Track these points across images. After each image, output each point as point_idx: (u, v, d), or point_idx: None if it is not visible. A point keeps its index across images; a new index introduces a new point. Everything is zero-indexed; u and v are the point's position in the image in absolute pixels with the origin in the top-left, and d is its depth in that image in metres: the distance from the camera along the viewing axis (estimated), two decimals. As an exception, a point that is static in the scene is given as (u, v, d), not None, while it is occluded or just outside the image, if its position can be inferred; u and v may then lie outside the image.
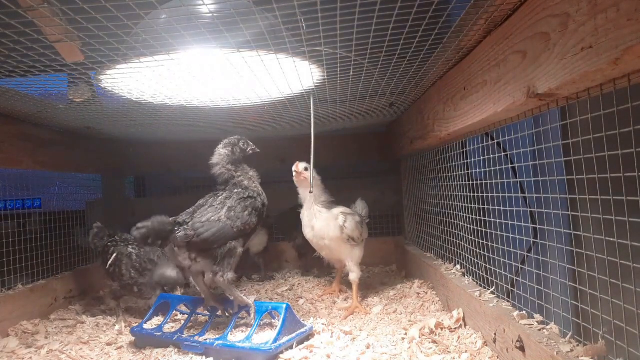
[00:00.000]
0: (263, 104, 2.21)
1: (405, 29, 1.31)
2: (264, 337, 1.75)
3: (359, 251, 2.36)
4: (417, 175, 2.76)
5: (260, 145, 2.11)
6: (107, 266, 2.25)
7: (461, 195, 1.99)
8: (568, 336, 1.21)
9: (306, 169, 2.27)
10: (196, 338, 1.78)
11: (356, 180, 3.69)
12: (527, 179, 1.70)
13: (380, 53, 1.51)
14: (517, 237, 1.58)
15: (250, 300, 1.87)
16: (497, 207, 1.67)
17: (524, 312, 1.44)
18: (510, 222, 1.58)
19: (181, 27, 1.25)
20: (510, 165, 1.69)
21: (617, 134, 1.01)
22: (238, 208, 1.87)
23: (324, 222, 2.27)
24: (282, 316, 1.75)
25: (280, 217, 3.17)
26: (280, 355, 1.65)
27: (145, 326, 1.95)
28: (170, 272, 2.17)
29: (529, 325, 1.34)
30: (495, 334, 1.50)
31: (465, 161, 2.00)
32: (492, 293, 1.70)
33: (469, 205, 1.90)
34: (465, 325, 1.79)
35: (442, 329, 1.79)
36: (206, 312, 2.03)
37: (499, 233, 1.67)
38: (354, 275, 2.31)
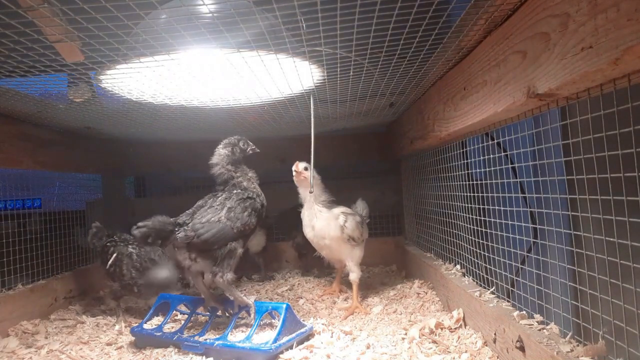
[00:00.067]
0: (263, 104, 2.21)
1: (405, 29, 1.31)
2: (264, 337, 1.75)
3: (359, 251, 2.36)
4: (417, 175, 2.76)
5: (260, 145, 2.11)
6: (107, 266, 2.25)
7: (461, 195, 1.99)
8: (568, 336, 1.21)
9: (306, 169, 2.27)
10: (196, 338, 1.78)
11: (356, 180, 3.69)
12: (527, 179, 1.70)
13: (380, 53, 1.51)
14: (517, 237, 1.58)
15: (250, 300, 1.87)
16: (497, 207, 1.67)
17: (524, 312, 1.44)
18: (510, 222, 1.58)
19: (181, 27, 1.25)
20: (510, 165, 1.69)
21: (617, 134, 1.01)
22: (238, 209, 1.87)
23: (325, 222, 2.27)
24: (282, 316, 1.75)
25: (281, 217, 3.17)
26: (280, 355, 1.65)
27: (145, 326, 1.95)
28: (162, 273, 2.15)
29: (529, 325, 1.34)
30: (495, 334, 1.50)
31: (465, 161, 2.00)
32: (492, 293, 1.70)
33: (469, 205, 1.90)
34: (465, 325, 1.79)
35: (442, 329, 1.79)
36: (206, 312, 2.03)
37: (499, 233, 1.67)
38: (354, 275, 2.31)
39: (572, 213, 1.34)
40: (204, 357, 1.70)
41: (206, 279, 1.86)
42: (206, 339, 1.75)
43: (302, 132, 2.81)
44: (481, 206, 1.80)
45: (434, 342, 1.69)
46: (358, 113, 2.63)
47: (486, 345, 1.58)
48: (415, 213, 2.95)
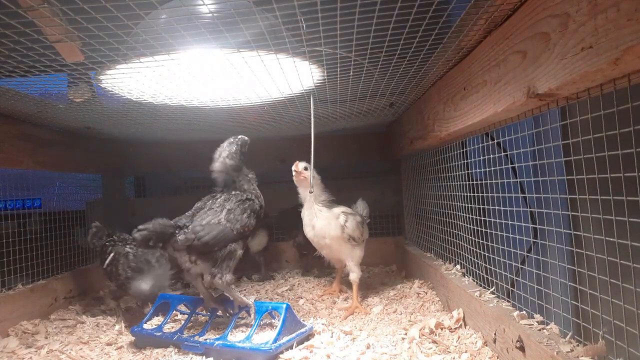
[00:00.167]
0: (263, 104, 2.21)
1: (405, 29, 1.31)
2: (264, 337, 1.75)
3: (359, 251, 2.36)
4: (417, 175, 2.76)
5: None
6: (105, 265, 2.25)
7: (461, 195, 1.99)
8: (568, 336, 1.21)
9: (306, 169, 2.27)
10: (196, 338, 1.78)
11: (356, 180, 3.69)
12: (527, 179, 1.70)
13: (380, 53, 1.51)
14: (517, 237, 1.58)
15: (250, 300, 1.87)
16: (497, 207, 1.67)
17: (524, 312, 1.44)
18: (510, 222, 1.58)
19: (181, 27, 1.25)
20: (510, 165, 1.69)
21: (617, 134, 1.01)
22: (237, 210, 1.87)
23: (325, 221, 2.27)
24: (282, 316, 1.75)
25: (281, 216, 3.17)
26: (280, 355, 1.65)
27: (145, 326, 1.95)
28: (144, 286, 2.06)
29: (529, 325, 1.34)
30: (495, 334, 1.50)
31: (465, 161, 2.00)
32: (492, 293, 1.70)
33: (469, 205, 1.90)
34: (465, 325, 1.79)
35: (442, 329, 1.79)
36: (206, 313, 2.03)
37: (499, 233, 1.67)
38: (354, 275, 2.31)
39: (572, 213, 1.34)
40: (204, 357, 1.70)
41: (205, 280, 1.87)
42: (206, 339, 1.75)
43: (302, 132, 2.81)
44: (481, 206, 1.80)
45: (434, 342, 1.69)
46: (358, 113, 2.63)
47: (486, 345, 1.58)
48: (415, 213, 2.95)
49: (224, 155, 1.98)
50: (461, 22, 1.31)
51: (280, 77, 1.73)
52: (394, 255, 3.26)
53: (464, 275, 2.02)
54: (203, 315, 2.07)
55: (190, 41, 1.34)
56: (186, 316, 2.01)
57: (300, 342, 1.77)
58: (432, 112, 2.09)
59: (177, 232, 1.76)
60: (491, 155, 1.72)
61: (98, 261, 2.44)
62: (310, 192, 2.24)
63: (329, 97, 2.16)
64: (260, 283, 2.93)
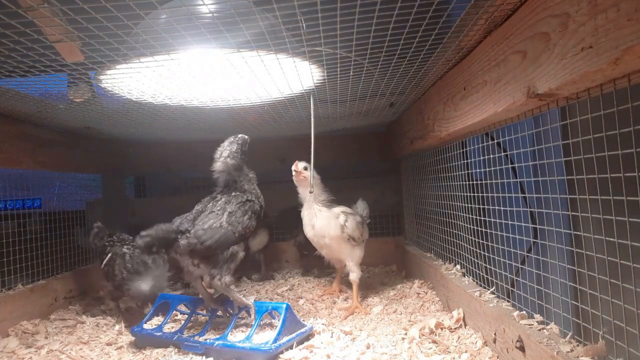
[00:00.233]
0: (263, 104, 2.21)
1: (405, 29, 1.31)
2: (264, 337, 1.75)
3: (359, 251, 2.36)
4: (417, 175, 2.76)
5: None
6: (102, 266, 2.25)
7: (461, 195, 1.99)
8: (568, 336, 1.21)
9: (306, 168, 2.27)
10: (196, 338, 1.78)
11: (356, 180, 3.69)
12: (527, 179, 1.70)
13: (380, 53, 1.51)
14: (517, 237, 1.58)
15: (250, 301, 1.87)
16: (497, 207, 1.67)
17: (524, 312, 1.44)
18: (510, 222, 1.58)
19: (181, 27, 1.25)
20: (510, 165, 1.69)
21: (617, 134, 1.01)
22: (238, 213, 1.86)
23: (325, 221, 2.27)
24: (282, 316, 1.75)
25: (282, 215, 3.17)
26: (280, 355, 1.66)
27: (145, 326, 1.95)
28: (143, 286, 2.05)
29: (529, 325, 1.34)
30: (495, 334, 1.50)
31: (465, 161, 2.00)
32: (492, 293, 1.70)
33: (469, 205, 1.90)
34: (465, 325, 1.79)
35: (442, 329, 1.79)
36: (206, 313, 2.03)
37: (499, 233, 1.67)
38: (354, 275, 2.31)
39: (572, 213, 1.34)
40: (204, 357, 1.70)
41: (205, 282, 1.87)
42: (206, 339, 1.75)
43: (302, 132, 2.81)
44: (481, 206, 1.80)
45: (434, 342, 1.69)
46: (358, 113, 2.63)
47: (486, 345, 1.58)
48: (415, 213, 2.95)
49: (224, 155, 1.98)
50: (461, 22, 1.31)
51: (280, 77, 1.73)
52: (394, 255, 3.26)
53: (464, 275, 2.02)
54: (203, 316, 2.07)
55: (190, 41, 1.34)
56: (186, 316, 2.01)
57: (300, 342, 1.77)
58: (432, 112, 2.09)
59: (179, 237, 1.76)
60: (491, 155, 1.72)
61: (98, 261, 2.44)
62: (310, 192, 2.24)
63: (329, 97, 2.16)
64: (260, 283, 2.93)
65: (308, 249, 2.83)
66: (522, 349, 1.29)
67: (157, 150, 3.52)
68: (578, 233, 1.26)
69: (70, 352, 1.83)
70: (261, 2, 1.21)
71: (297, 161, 2.28)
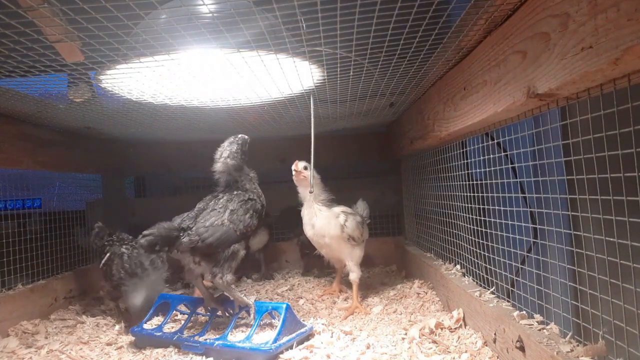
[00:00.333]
0: (263, 104, 2.21)
1: (405, 29, 1.31)
2: (264, 337, 1.75)
3: (359, 251, 2.36)
4: (417, 175, 2.76)
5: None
6: (101, 265, 2.24)
7: (461, 195, 1.99)
8: (568, 336, 1.21)
9: (305, 168, 2.27)
10: (196, 338, 1.78)
11: (356, 180, 3.69)
12: (527, 179, 1.70)
13: (380, 53, 1.51)
14: (517, 237, 1.58)
15: (250, 300, 1.87)
16: (497, 207, 1.67)
17: (524, 312, 1.44)
18: (510, 222, 1.58)
19: (181, 27, 1.25)
20: (510, 165, 1.69)
21: (617, 134, 1.01)
22: (240, 211, 1.87)
23: (325, 220, 2.27)
24: (282, 316, 1.75)
25: (284, 215, 3.17)
26: (280, 355, 1.65)
27: (145, 326, 1.95)
28: (137, 300, 2.04)
29: (529, 325, 1.34)
30: (495, 334, 1.50)
31: (465, 161, 2.00)
32: (492, 293, 1.70)
33: (469, 205, 1.90)
34: (465, 325, 1.79)
35: (442, 329, 1.79)
36: (206, 313, 2.03)
37: (499, 233, 1.67)
38: (354, 275, 2.31)
39: (572, 213, 1.34)
40: (204, 357, 1.70)
41: (206, 281, 1.87)
42: (206, 339, 1.75)
43: (302, 132, 2.81)
44: (481, 206, 1.80)
45: (434, 342, 1.69)
46: (358, 113, 2.63)
47: (486, 345, 1.58)
48: (415, 213, 2.95)
49: (225, 155, 1.98)
50: (461, 22, 1.31)
51: (280, 77, 1.73)
52: (394, 255, 3.26)
53: (464, 275, 2.02)
54: (203, 315, 2.07)
55: (190, 41, 1.34)
56: (186, 316, 2.01)
57: (300, 342, 1.77)
58: (432, 112, 2.09)
59: (181, 234, 1.76)
60: (491, 155, 1.72)
61: (98, 261, 2.44)
62: (310, 192, 2.24)
63: (329, 97, 2.16)
64: (260, 283, 2.93)
65: (310, 249, 2.83)
66: (522, 349, 1.29)
67: (157, 150, 3.52)
68: (578, 233, 1.26)
69: (70, 352, 1.83)
70: (261, 2, 1.21)
71: (297, 161, 2.28)
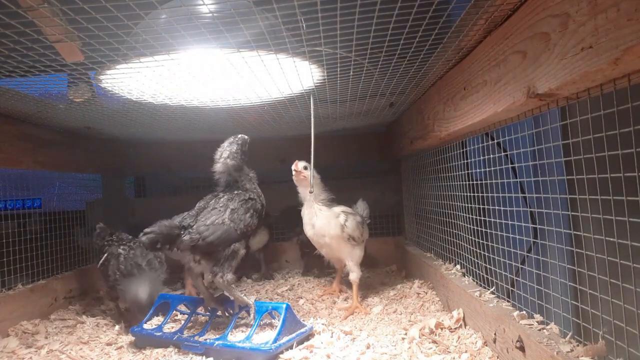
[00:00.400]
0: (263, 104, 2.21)
1: (405, 29, 1.31)
2: (264, 337, 1.75)
3: (359, 251, 2.36)
4: (417, 175, 2.76)
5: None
6: (99, 265, 2.24)
7: (461, 195, 1.99)
8: (568, 336, 1.21)
9: (305, 168, 2.27)
10: (196, 338, 1.78)
11: (356, 180, 3.69)
12: (527, 179, 1.70)
13: (380, 53, 1.51)
14: (517, 237, 1.58)
15: (251, 300, 1.87)
16: (497, 207, 1.67)
17: (524, 312, 1.44)
18: (510, 222, 1.58)
19: (181, 27, 1.25)
20: (510, 165, 1.69)
21: (617, 134, 1.01)
22: (240, 210, 1.87)
23: (325, 220, 2.27)
24: (282, 316, 1.75)
25: (284, 214, 3.17)
26: (280, 355, 1.65)
27: (145, 326, 1.95)
28: (141, 293, 2.02)
29: (529, 325, 1.34)
30: (495, 334, 1.50)
31: (465, 161, 2.00)
32: (492, 293, 1.70)
33: (469, 205, 1.90)
34: (465, 325, 1.79)
35: (442, 329, 1.79)
36: (206, 313, 2.03)
37: (499, 233, 1.67)
38: (354, 275, 2.31)
39: (572, 213, 1.34)
40: (204, 357, 1.70)
41: (206, 280, 1.87)
42: (206, 339, 1.75)
43: (302, 132, 2.81)
44: (481, 206, 1.80)
45: (434, 342, 1.69)
46: (358, 113, 2.63)
47: (486, 345, 1.58)
48: (415, 213, 2.95)
49: (225, 155, 1.98)
50: (461, 22, 1.31)
51: (280, 77, 1.73)
52: (394, 255, 3.26)
53: (464, 275, 2.02)
54: (203, 315, 2.07)
55: (190, 41, 1.34)
56: (186, 316, 2.01)
57: (300, 342, 1.77)
58: (432, 112, 2.09)
59: (182, 232, 1.76)
60: (491, 155, 1.72)
61: (97, 261, 2.44)
62: (310, 192, 2.24)
63: (329, 97, 2.16)
64: (260, 283, 2.93)
65: (310, 248, 2.83)
66: (522, 349, 1.29)
67: (157, 150, 3.52)
68: (578, 233, 1.26)
69: (70, 352, 1.83)
70: (261, 2, 1.21)
71: (297, 161, 2.29)
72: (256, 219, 1.92)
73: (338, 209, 2.32)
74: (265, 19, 1.25)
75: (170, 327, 2.00)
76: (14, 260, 2.30)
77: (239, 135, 2.03)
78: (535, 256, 1.55)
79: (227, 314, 1.95)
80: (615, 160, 1.01)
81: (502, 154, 1.70)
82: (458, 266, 2.11)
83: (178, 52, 1.41)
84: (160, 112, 2.28)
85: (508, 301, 1.60)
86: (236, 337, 1.82)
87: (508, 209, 1.60)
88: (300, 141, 2.62)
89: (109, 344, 1.93)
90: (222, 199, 1.90)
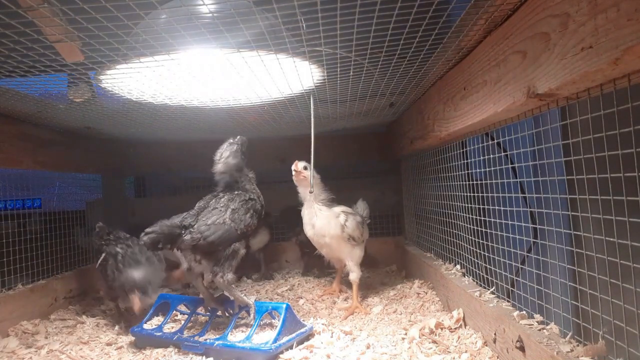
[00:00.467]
0: (263, 104, 2.21)
1: (405, 29, 1.31)
2: (264, 337, 1.75)
3: (359, 251, 2.36)
4: (417, 175, 2.76)
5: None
6: (97, 265, 2.24)
7: (461, 195, 1.99)
8: (568, 336, 1.21)
9: (305, 168, 2.27)
10: (196, 338, 1.78)
11: (356, 180, 3.69)
12: (527, 179, 1.70)
13: (380, 53, 1.51)
14: (517, 237, 1.58)
15: (251, 300, 1.87)
16: (497, 207, 1.67)
17: (524, 312, 1.44)
18: (510, 222, 1.58)
19: (181, 27, 1.25)
20: (510, 165, 1.69)
21: (617, 134, 1.01)
22: (241, 210, 1.88)
23: (325, 220, 2.27)
24: (282, 316, 1.75)
25: (284, 214, 3.17)
26: (280, 355, 1.66)
27: (145, 326, 1.95)
28: (137, 274, 2.01)
29: (529, 325, 1.34)
30: (495, 334, 1.50)
31: (465, 161, 2.00)
32: (492, 293, 1.70)
33: (469, 205, 1.90)
34: (465, 325, 1.79)
35: (442, 329, 1.79)
36: (206, 313, 2.03)
37: (499, 233, 1.67)
38: (354, 275, 2.31)
39: (572, 213, 1.34)
40: (204, 357, 1.71)
41: (206, 279, 1.87)
42: (206, 339, 1.75)
43: (302, 132, 2.81)
44: (481, 206, 1.80)
45: (434, 342, 1.69)
46: (358, 113, 2.63)
47: (486, 345, 1.58)
48: (415, 213, 2.95)
49: (225, 156, 1.99)
50: (461, 22, 1.31)
51: (280, 77, 1.73)
52: (394, 255, 3.26)
53: (464, 275, 2.02)
54: (203, 315, 2.07)
55: (190, 41, 1.34)
56: (186, 316, 2.01)
57: (300, 342, 1.77)
58: (432, 112, 2.09)
59: (183, 232, 1.76)
60: (491, 155, 1.72)
61: (96, 261, 2.44)
62: (310, 192, 2.24)
63: (329, 97, 2.16)
64: (260, 283, 2.93)
65: (310, 248, 2.83)
66: (522, 349, 1.29)
67: (157, 150, 3.52)
68: (578, 233, 1.26)
69: (70, 352, 1.83)
70: (261, 2, 1.21)
71: (297, 161, 2.29)
72: (256, 220, 1.93)
73: (338, 209, 2.32)
74: (265, 19, 1.25)
75: (170, 327, 2.00)
76: (14, 260, 2.30)
77: (238, 137, 2.04)
78: (535, 256, 1.55)
79: (227, 314, 1.95)
80: (615, 160, 1.01)
81: (502, 154, 1.70)
82: (458, 266, 2.11)
83: (178, 52, 1.41)
84: (160, 112, 2.28)
85: (508, 301, 1.60)
86: (236, 337, 1.82)
87: (508, 209, 1.60)
88: (300, 141, 2.62)
89: (109, 344, 1.93)
90: (222, 199, 1.90)
